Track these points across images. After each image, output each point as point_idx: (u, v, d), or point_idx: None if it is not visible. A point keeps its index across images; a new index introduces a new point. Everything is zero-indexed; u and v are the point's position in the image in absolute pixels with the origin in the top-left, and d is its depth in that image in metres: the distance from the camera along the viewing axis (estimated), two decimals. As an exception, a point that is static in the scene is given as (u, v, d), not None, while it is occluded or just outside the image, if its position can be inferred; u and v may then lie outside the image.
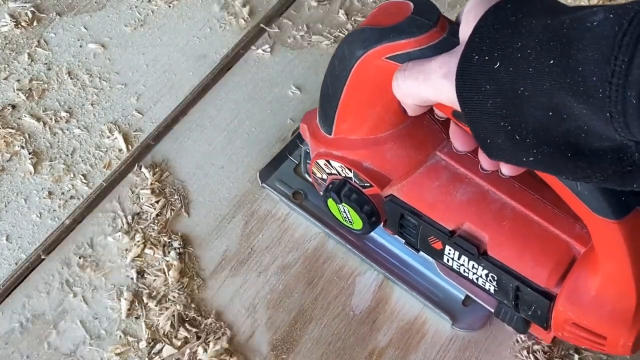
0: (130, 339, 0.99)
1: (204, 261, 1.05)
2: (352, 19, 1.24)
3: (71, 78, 1.17)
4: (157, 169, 1.11)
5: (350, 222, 0.99)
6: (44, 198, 1.08)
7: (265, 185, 1.10)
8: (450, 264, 0.93)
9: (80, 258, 1.04)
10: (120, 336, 1.00)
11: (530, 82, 0.64)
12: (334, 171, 0.97)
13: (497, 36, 0.68)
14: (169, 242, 1.05)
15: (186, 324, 1.00)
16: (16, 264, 1.04)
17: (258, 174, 1.10)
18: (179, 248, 1.05)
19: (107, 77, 1.18)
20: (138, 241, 1.05)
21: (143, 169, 1.10)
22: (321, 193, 1.02)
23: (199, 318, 1.01)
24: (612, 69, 0.58)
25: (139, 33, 1.22)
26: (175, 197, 1.09)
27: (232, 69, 1.20)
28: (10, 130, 1.12)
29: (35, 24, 1.22)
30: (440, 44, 0.80)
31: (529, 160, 0.69)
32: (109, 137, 1.13)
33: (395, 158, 0.93)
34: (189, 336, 1.00)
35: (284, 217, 1.08)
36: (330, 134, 0.95)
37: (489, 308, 0.98)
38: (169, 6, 1.25)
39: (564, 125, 0.65)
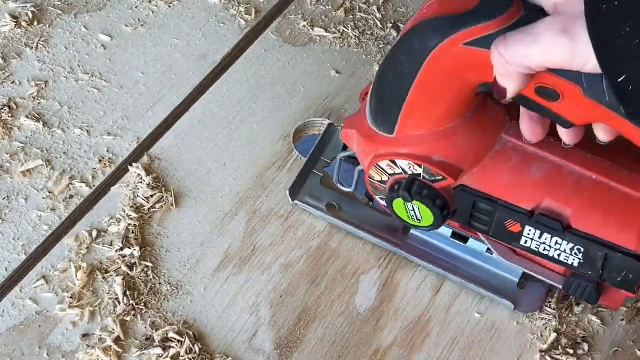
0: (131, 336, 0.99)
1: (207, 259, 1.04)
2: (352, 14, 1.24)
3: (71, 78, 1.17)
4: (157, 166, 1.10)
5: (418, 220, 0.97)
6: (44, 198, 1.07)
7: (297, 203, 1.09)
8: (528, 245, 0.92)
9: (80, 257, 1.03)
10: (119, 335, 0.99)
11: None
12: (398, 171, 0.95)
13: None
14: (157, 240, 1.05)
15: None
16: (17, 264, 1.03)
17: (288, 192, 1.09)
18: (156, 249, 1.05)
19: (107, 77, 1.18)
20: (133, 240, 1.04)
21: (143, 167, 1.09)
22: (378, 197, 1.00)
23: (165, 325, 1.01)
24: None
25: (139, 33, 1.22)
26: (171, 194, 1.08)
27: (234, 65, 1.19)
28: (10, 130, 1.11)
29: (35, 24, 1.21)
30: (521, 21, 0.79)
31: None
32: (109, 137, 1.12)
33: (465, 147, 0.92)
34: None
35: (287, 214, 1.08)
36: (391, 134, 0.93)
37: (556, 285, 0.97)
38: (169, 6, 1.24)
39: None
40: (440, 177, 0.92)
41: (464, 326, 1.02)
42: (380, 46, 1.22)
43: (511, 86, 0.80)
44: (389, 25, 1.24)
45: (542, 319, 1.02)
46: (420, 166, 0.93)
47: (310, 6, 1.25)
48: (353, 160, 1.02)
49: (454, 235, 1.04)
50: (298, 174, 1.10)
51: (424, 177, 0.93)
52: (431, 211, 0.94)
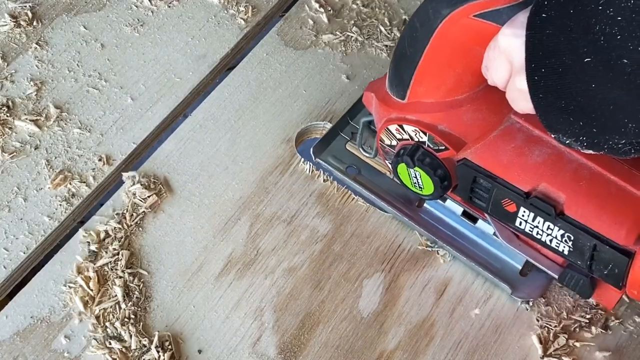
0: (140, 338, 0.99)
1: (210, 264, 1.04)
2: (350, 15, 1.24)
3: (71, 78, 1.16)
4: (159, 170, 1.09)
5: (420, 187, 0.99)
6: (44, 197, 1.07)
7: (320, 161, 1.10)
8: (522, 227, 0.93)
9: (81, 257, 1.03)
10: (124, 338, 0.99)
11: None
12: (405, 136, 0.97)
13: None
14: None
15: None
16: (16, 264, 1.03)
17: (311, 150, 1.10)
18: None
19: (107, 77, 1.17)
20: (134, 242, 1.04)
21: (144, 171, 1.09)
22: (387, 162, 1.03)
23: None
24: None
25: (139, 33, 1.21)
26: (173, 197, 1.08)
27: (236, 69, 1.19)
28: (9, 130, 1.11)
29: (35, 23, 1.21)
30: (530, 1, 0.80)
31: None
32: (108, 137, 1.12)
33: (471, 121, 0.94)
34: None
35: (289, 219, 1.07)
36: (403, 99, 0.95)
37: (552, 274, 0.98)
38: (169, 6, 1.24)
39: None
40: (443, 147, 0.95)
41: (467, 329, 1.02)
42: (385, 51, 1.22)
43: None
44: (395, 30, 1.24)
45: (547, 322, 1.02)
46: (425, 134, 0.95)
47: (313, 9, 1.25)
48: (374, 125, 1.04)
49: (464, 214, 1.06)
50: (325, 133, 1.12)
51: (428, 145, 0.96)
52: (431, 180, 0.97)
